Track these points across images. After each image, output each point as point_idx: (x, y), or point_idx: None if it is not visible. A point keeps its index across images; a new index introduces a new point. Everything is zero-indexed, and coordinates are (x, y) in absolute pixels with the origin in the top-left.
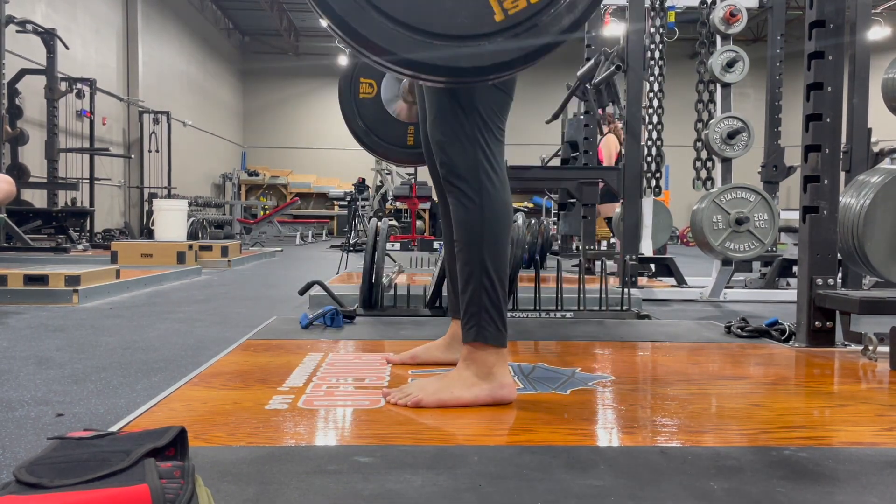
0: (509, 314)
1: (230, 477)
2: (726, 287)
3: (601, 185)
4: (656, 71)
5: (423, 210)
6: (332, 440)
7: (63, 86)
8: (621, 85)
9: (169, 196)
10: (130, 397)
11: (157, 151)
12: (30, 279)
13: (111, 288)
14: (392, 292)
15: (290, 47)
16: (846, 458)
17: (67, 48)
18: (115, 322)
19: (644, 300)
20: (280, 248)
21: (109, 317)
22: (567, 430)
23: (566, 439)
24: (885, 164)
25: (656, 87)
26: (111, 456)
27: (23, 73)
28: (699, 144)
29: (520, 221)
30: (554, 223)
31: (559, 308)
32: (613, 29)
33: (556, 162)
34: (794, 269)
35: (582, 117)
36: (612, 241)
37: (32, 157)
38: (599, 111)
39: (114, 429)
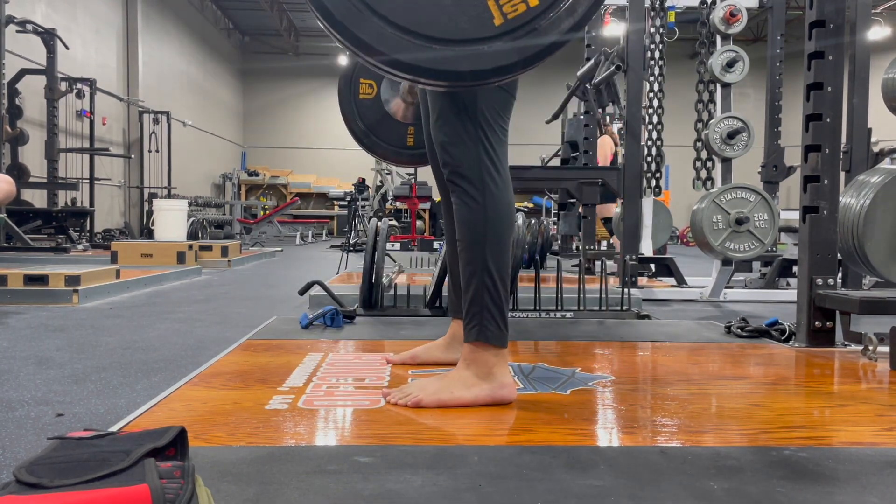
0: (510, 314)
1: (230, 477)
2: (726, 287)
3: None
4: (656, 71)
5: (423, 210)
6: (332, 440)
7: (63, 86)
8: (621, 85)
9: (169, 196)
10: (130, 397)
11: (157, 151)
12: (30, 279)
13: (111, 288)
14: (392, 292)
15: (290, 47)
16: (846, 458)
17: (67, 48)
18: (115, 322)
19: (644, 300)
20: (280, 248)
21: (109, 317)
22: (567, 430)
23: (566, 439)
24: (885, 164)
25: (656, 87)
26: (111, 456)
27: (23, 73)
28: (699, 144)
29: (520, 221)
30: (554, 223)
31: (559, 308)
32: (613, 29)
33: (556, 162)
34: (794, 269)
35: (582, 117)
36: (611, 241)
37: (32, 157)
38: (599, 111)
39: (114, 429)
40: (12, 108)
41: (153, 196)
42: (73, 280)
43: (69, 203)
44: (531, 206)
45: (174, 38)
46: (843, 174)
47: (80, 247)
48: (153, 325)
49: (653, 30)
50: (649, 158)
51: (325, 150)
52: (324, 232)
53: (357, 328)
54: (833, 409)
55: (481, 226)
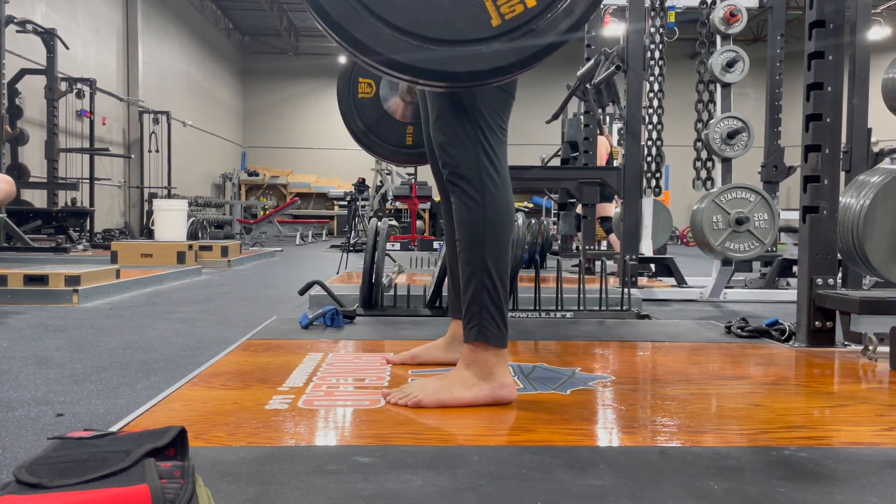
0: (509, 314)
1: (230, 477)
2: (726, 287)
3: None
4: (656, 71)
5: (423, 210)
6: (332, 440)
7: (63, 86)
8: (621, 85)
9: (169, 196)
10: (130, 397)
11: (157, 151)
12: (30, 279)
13: (111, 288)
14: (392, 292)
15: (290, 47)
16: (846, 458)
17: (67, 48)
18: (115, 322)
19: (644, 300)
20: (280, 248)
21: (109, 317)
22: (567, 430)
23: (566, 439)
24: (885, 164)
25: (656, 87)
26: (111, 456)
27: (23, 73)
28: (699, 144)
29: (520, 221)
30: (554, 223)
31: (559, 308)
32: (613, 29)
33: (556, 162)
34: (794, 269)
35: (582, 117)
36: (609, 240)
37: (32, 157)
38: (600, 110)
39: (114, 429)
40: (12, 108)
41: (153, 196)
42: (73, 280)
43: (69, 203)
44: (531, 206)
45: (174, 38)
46: (843, 174)
47: (80, 247)
48: (153, 325)
49: (653, 30)
50: (649, 158)
51: (325, 150)
52: (324, 232)
53: (357, 328)
54: (833, 409)
55: (480, 226)
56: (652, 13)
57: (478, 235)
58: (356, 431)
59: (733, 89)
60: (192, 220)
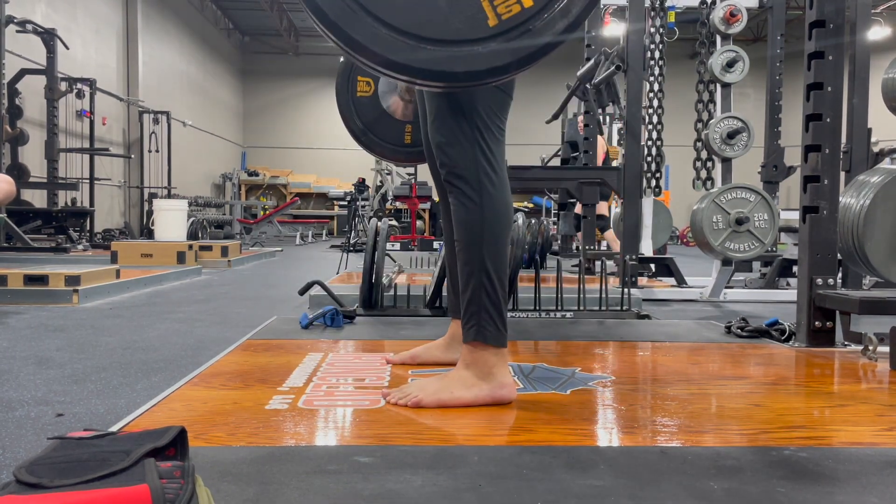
0: (509, 314)
1: (230, 477)
2: (726, 287)
3: None
4: (656, 71)
5: (423, 210)
6: (332, 440)
7: (63, 86)
8: (621, 85)
9: (169, 196)
10: (130, 397)
11: (157, 151)
12: (30, 279)
13: (111, 288)
14: (392, 292)
15: (290, 47)
16: (846, 458)
17: (67, 48)
18: (115, 322)
19: (644, 300)
20: (280, 248)
21: (109, 317)
22: (567, 430)
23: (566, 439)
24: (885, 164)
25: (656, 87)
26: (111, 456)
27: (23, 73)
28: (699, 144)
29: (520, 221)
30: (554, 223)
31: (559, 308)
32: (613, 29)
33: (556, 162)
34: (794, 269)
35: (581, 117)
36: (603, 238)
37: (32, 157)
38: (600, 111)
39: (114, 429)
40: (12, 108)
41: (153, 196)
42: (73, 280)
43: (69, 203)
44: (531, 206)
45: (174, 38)
46: (843, 174)
47: (80, 247)
48: (153, 325)
49: (653, 30)
50: (649, 158)
51: (325, 150)
52: (324, 232)
53: (357, 328)
54: (833, 409)
55: (478, 226)
56: (652, 13)
57: (476, 235)
58: (356, 431)
59: (733, 89)
60: (192, 220)
